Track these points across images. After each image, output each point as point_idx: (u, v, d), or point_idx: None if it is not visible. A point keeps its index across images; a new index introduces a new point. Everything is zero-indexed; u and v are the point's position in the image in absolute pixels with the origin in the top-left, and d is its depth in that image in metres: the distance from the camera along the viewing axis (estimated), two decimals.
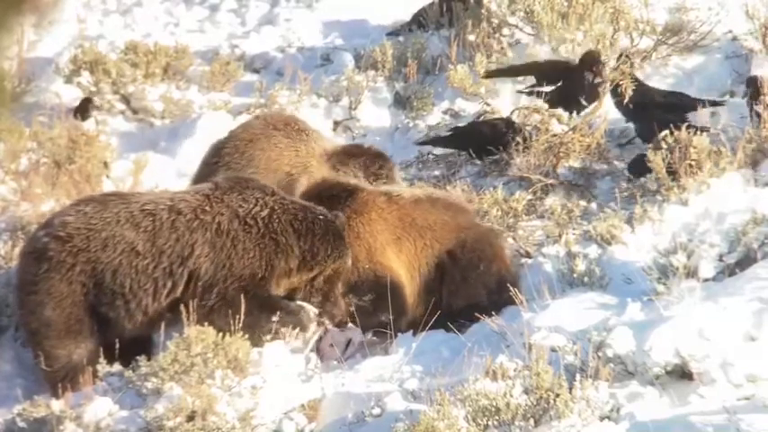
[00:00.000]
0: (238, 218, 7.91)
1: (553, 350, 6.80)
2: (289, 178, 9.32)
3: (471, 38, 12.82)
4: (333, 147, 9.77)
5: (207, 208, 7.93)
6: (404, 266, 8.54)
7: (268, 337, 7.69)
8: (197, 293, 7.76)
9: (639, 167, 9.98)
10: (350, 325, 8.20)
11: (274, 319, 7.74)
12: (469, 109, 12.14)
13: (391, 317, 8.26)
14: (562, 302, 7.88)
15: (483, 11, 12.82)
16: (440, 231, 8.66)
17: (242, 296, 7.69)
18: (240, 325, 7.44)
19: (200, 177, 9.36)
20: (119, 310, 7.85)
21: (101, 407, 6.91)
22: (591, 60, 11.04)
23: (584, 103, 10.96)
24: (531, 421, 6.24)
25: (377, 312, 8.30)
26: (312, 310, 7.95)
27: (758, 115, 10.00)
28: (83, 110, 11.95)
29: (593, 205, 10.23)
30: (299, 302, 7.98)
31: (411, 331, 8.27)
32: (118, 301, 7.84)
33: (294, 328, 7.79)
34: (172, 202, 7.96)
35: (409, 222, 8.62)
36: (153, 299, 7.82)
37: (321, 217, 8.07)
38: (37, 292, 7.87)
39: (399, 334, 8.27)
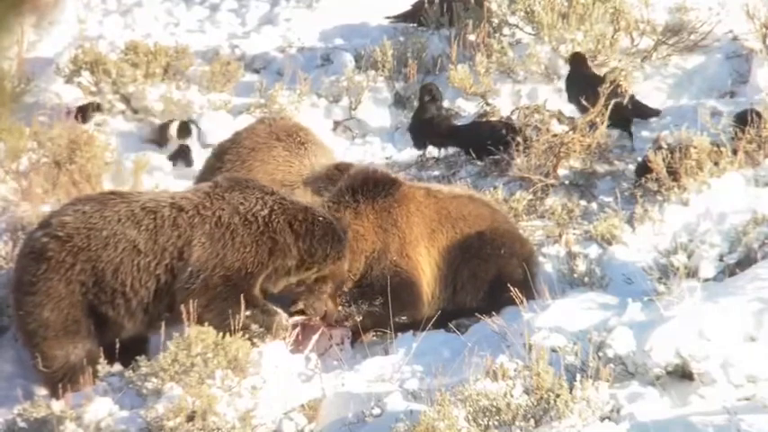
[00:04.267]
0: (239, 214, 7.94)
1: (553, 350, 6.79)
2: None
3: (471, 38, 12.83)
4: (324, 165, 9.58)
5: (207, 204, 7.96)
6: (434, 260, 8.60)
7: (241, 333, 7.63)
8: (184, 277, 7.78)
9: (646, 172, 9.91)
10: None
11: (247, 313, 7.67)
12: (470, 109, 12.13)
13: (403, 318, 8.32)
14: (562, 303, 7.87)
15: (483, 11, 12.82)
16: (473, 220, 8.72)
17: (224, 285, 7.72)
18: (214, 311, 7.59)
19: (202, 179, 9.33)
20: (119, 308, 7.86)
21: (101, 407, 6.90)
22: None
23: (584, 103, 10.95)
24: (532, 421, 6.23)
25: (384, 314, 8.31)
26: (285, 318, 7.94)
27: None
28: (83, 112, 11.94)
29: (594, 205, 10.23)
30: (276, 308, 7.97)
31: (411, 331, 8.27)
32: (118, 299, 7.85)
33: (263, 327, 7.75)
34: (173, 200, 8.00)
35: (445, 215, 8.70)
36: (154, 296, 7.84)
37: (320, 219, 8.07)
38: (35, 293, 7.85)
39: (399, 334, 8.27)
